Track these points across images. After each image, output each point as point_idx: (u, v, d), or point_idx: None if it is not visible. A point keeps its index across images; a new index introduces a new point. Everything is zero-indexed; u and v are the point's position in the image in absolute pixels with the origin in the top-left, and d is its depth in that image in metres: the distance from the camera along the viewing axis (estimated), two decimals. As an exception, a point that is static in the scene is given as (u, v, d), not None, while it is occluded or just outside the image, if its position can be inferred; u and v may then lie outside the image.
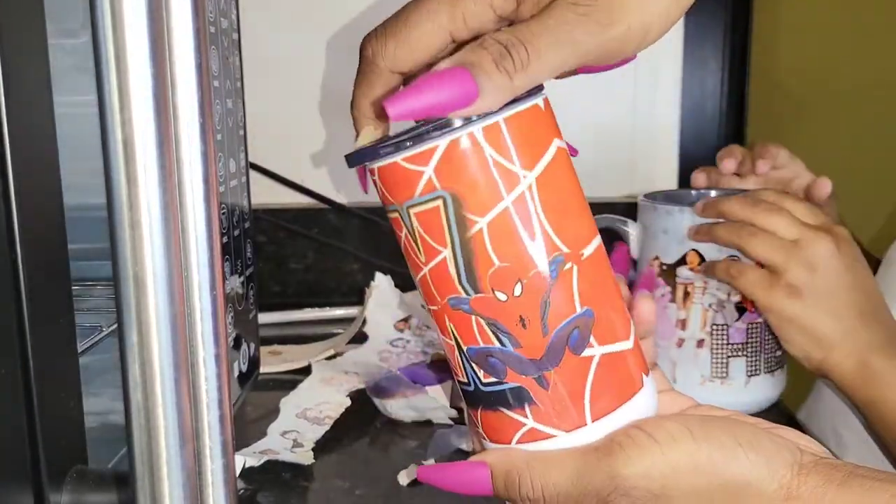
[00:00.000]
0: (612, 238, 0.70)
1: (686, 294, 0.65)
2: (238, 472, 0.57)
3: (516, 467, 0.34)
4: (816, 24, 1.47)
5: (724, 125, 1.03)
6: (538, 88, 0.33)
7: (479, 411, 0.35)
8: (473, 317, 0.33)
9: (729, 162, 0.78)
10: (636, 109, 1.02)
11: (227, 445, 0.33)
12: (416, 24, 0.33)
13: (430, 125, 0.31)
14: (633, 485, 0.32)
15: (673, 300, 0.66)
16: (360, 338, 0.82)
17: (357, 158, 0.33)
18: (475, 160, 0.31)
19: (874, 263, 0.72)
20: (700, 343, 0.66)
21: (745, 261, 0.62)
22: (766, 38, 1.17)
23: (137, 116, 0.28)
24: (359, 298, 0.91)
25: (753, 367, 0.67)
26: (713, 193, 0.72)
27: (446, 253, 0.32)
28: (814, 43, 1.46)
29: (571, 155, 0.35)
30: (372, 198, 0.36)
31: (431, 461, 0.59)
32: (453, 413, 0.66)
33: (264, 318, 0.85)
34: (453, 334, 0.34)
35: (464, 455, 0.60)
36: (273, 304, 0.93)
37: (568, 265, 0.33)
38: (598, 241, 0.35)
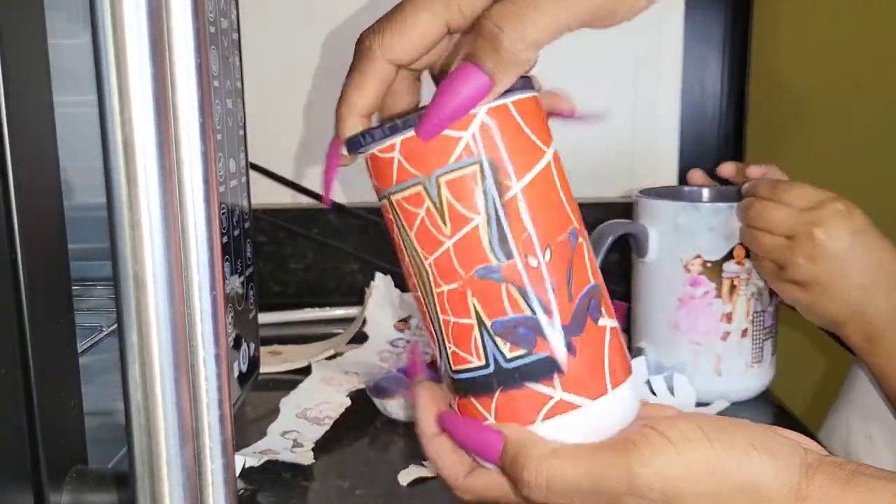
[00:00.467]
0: (626, 245, 0.70)
1: (732, 287, 0.67)
2: (238, 472, 0.57)
3: (527, 449, 0.34)
4: (816, 24, 1.47)
5: (724, 125, 1.03)
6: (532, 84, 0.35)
7: (497, 395, 0.35)
8: (504, 285, 0.34)
9: (727, 167, 0.78)
10: (636, 109, 1.02)
11: (227, 445, 0.33)
12: (411, 13, 0.34)
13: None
14: (647, 485, 0.32)
15: (718, 296, 0.67)
16: (360, 338, 0.83)
17: (380, 133, 0.34)
18: (511, 128, 0.34)
19: None
20: (744, 332, 0.68)
21: None
22: (766, 38, 1.16)
23: (137, 116, 0.28)
24: (359, 298, 0.91)
25: (775, 346, 0.71)
26: (706, 191, 0.74)
27: (479, 220, 0.33)
28: (814, 43, 1.46)
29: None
30: (372, 198, 0.36)
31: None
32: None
33: (264, 318, 0.85)
34: (475, 311, 0.34)
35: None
36: (273, 304, 0.93)
37: (580, 239, 0.35)
38: None
